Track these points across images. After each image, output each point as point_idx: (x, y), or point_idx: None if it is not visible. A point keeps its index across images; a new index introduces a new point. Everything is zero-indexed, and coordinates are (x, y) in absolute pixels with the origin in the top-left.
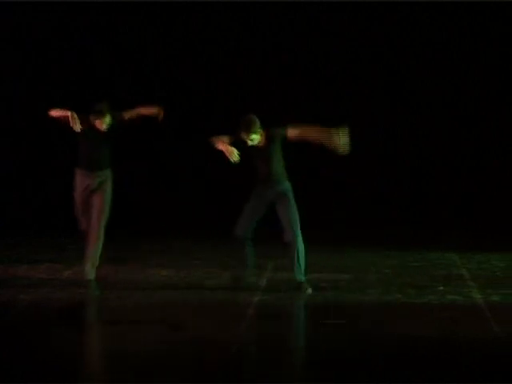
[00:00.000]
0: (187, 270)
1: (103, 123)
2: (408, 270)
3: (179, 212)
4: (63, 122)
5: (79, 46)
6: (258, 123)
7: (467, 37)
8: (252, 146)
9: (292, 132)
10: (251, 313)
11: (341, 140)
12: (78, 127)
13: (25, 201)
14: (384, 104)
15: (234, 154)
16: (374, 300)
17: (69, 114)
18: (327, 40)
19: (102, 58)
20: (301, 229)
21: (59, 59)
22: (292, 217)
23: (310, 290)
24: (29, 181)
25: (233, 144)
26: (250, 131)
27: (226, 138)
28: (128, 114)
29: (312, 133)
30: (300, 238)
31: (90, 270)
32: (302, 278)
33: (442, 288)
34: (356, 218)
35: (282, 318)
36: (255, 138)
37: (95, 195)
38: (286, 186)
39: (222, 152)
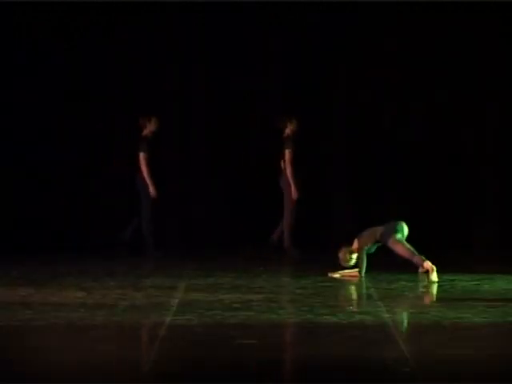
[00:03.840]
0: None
1: None
2: (319, 290)
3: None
4: None
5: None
6: None
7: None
8: None
9: None
10: (163, 334)
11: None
12: None
13: None
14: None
15: None
16: (285, 320)
17: None
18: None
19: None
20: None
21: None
22: None
23: None
24: None
25: None
26: None
27: None
28: None
29: None
30: None
31: None
32: None
33: (351, 308)
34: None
35: (195, 339)
36: None
37: None
38: None
39: None
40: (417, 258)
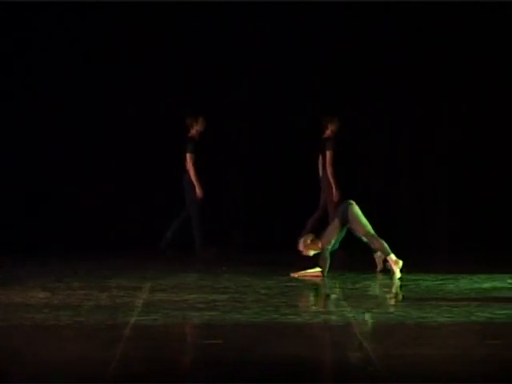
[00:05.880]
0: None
1: None
2: (283, 290)
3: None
4: None
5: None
6: None
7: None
8: None
9: None
10: (128, 334)
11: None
12: None
13: None
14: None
15: None
16: (250, 320)
17: None
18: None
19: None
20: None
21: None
22: None
23: None
24: None
25: None
26: None
27: None
28: None
29: None
30: None
31: None
32: None
33: (315, 308)
34: (237, 240)
35: (160, 339)
36: None
37: None
38: None
39: None
40: (377, 243)
